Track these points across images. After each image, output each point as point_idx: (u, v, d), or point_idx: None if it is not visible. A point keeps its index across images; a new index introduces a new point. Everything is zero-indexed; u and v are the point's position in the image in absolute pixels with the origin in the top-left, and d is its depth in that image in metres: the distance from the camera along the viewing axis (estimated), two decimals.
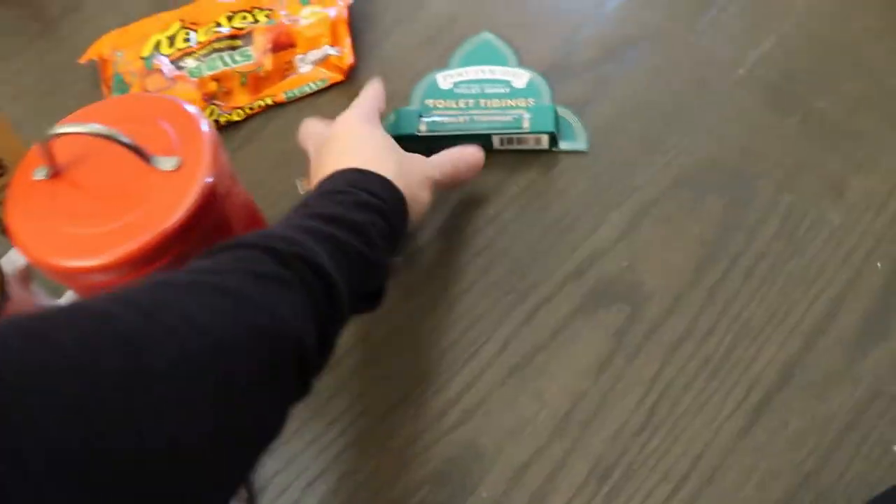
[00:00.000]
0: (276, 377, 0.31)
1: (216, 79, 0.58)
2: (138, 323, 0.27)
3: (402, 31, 0.63)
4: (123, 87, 0.59)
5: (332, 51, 0.60)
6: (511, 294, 0.49)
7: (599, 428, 0.44)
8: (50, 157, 0.38)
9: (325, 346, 0.34)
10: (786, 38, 0.58)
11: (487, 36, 0.60)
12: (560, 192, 0.53)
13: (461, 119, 0.54)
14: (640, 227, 0.51)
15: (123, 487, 0.24)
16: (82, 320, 0.26)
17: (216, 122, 0.58)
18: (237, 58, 0.59)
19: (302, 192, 0.53)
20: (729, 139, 0.54)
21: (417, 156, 0.47)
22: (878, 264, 0.48)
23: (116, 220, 0.37)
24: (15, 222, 0.37)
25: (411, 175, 0.44)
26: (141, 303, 0.28)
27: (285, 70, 0.60)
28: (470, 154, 0.50)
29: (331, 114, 0.59)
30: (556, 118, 0.53)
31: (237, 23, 0.61)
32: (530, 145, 0.54)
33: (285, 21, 0.61)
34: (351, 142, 0.45)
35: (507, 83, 0.55)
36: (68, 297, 0.47)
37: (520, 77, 0.56)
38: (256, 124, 0.59)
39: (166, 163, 0.38)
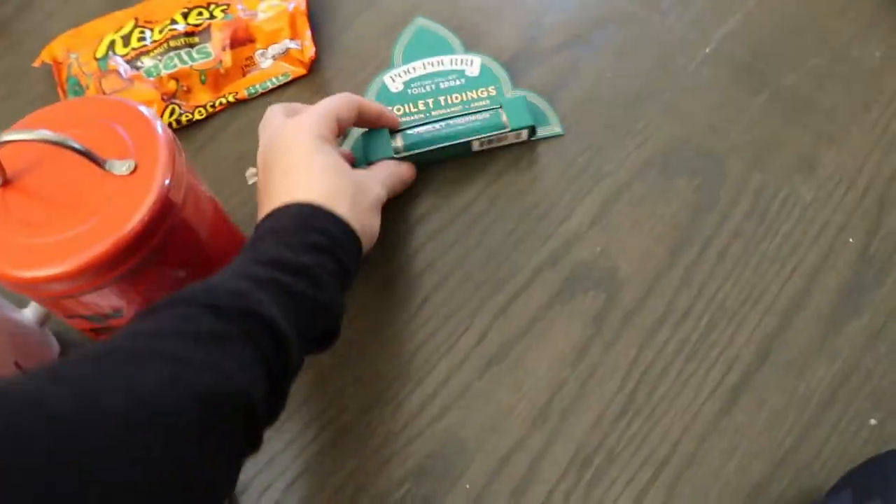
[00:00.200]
0: (223, 437, 0.30)
1: (175, 77, 0.57)
2: (73, 405, 0.26)
3: (362, 22, 0.61)
4: (79, 89, 0.57)
5: (292, 44, 0.59)
6: (486, 285, 0.48)
7: (579, 416, 0.44)
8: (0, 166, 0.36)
9: (277, 395, 0.34)
10: (750, 15, 0.58)
11: (421, 22, 0.57)
12: (531, 181, 0.52)
13: (437, 127, 0.50)
14: (613, 211, 0.51)
15: None
16: (13, 407, 0.25)
17: (177, 121, 0.56)
18: (195, 55, 0.58)
19: (250, 183, 0.51)
20: (698, 119, 0.54)
21: (366, 176, 0.45)
22: (850, 240, 0.48)
23: (73, 228, 0.36)
24: None
25: (364, 203, 0.43)
26: (78, 380, 0.27)
27: (246, 66, 0.59)
28: (406, 167, 0.50)
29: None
30: (529, 107, 0.52)
31: (193, 19, 0.59)
32: (510, 141, 0.52)
33: (243, 16, 0.59)
34: (302, 166, 0.42)
35: (459, 73, 0.53)
36: (32, 308, 0.46)
37: (470, 64, 0.53)
38: (220, 122, 0.58)
39: (121, 166, 0.37)
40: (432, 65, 0.52)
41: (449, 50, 0.53)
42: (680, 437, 0.43)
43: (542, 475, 0.42)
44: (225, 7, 0.60)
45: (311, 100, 0.58)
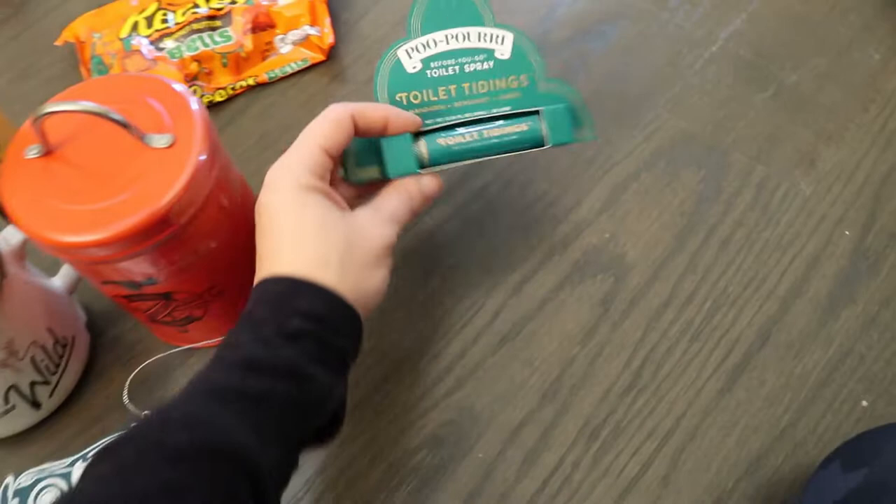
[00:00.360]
0: None
1: (197, 59, 0.58)
2: None
3: (379, 9, 0.63)
4: (103, 68, 0.58)
5: (311, 30, 0.60)
6: (499, 267, 0.50)
7: (588, 390, 0.46)
8: (43, 136, 0.38)
9: None
10: (755, 15, 0.60)
11: None
12: (543, 169, 0.54)
13: (466, 137, 0.42)
14: (621, 200, 0.53)
15: None
16: None
17: None
18: (217, 38, 0.59)
19: None
20: (703, 114, 0.56)
21: (367, 218, 0.38)
22: (847, 232, 0.51)
23: (111, 198, 0.37)
24: (11, 199, 0.37)
25: (360, 258, 0.36)
26: None
27: (266, 51, 0.60)
28: (428, 185, 0.41)
29: (315, 92, 0.60)
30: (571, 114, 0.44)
31: (215, 3, 0.60)
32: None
33: (263, 1, 0.61)
34: (278, 228, 0.36)
35: (488, 54, 0.44)
36: (63, 273, 0.47)
37: (501, 42, 0.45)
38: (239, 105, 0.59)
39: (159, 140, 0.38)
40: (456, 38, 0.44)
41: (477, 19, 0.45)
42: (683, 412, 0.45)
43: (552, 445, 0.44)
44: None
45: (328, 86, 0.60)
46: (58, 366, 0.45)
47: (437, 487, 0.43)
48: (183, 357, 0.48)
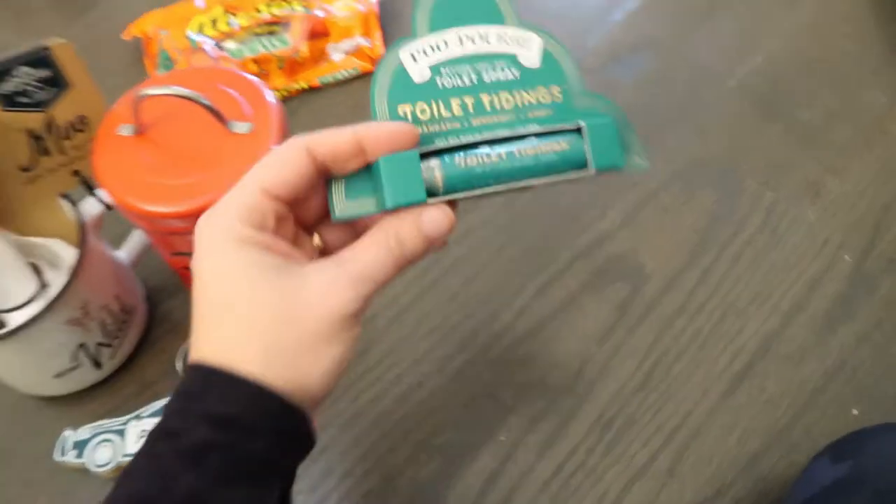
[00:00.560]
0: None
1: (256, 61, 0.63)
2: None
3: None
4: (168, 63, 0.63)
5: (363, 41, 0.65)
6: (526, 270, 0.55)
7: (604, 386, 0.50)
8: (137, 116, 0.42)
9: None
10: (773, 54, 0.66)
11: None
12: (569, 184, 0.59)
13: (492, 157, 0.31)
14: (641, 216, 0.57)
15: None
16: None
17: None
18: (275, 42, 0.64)
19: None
20: (720, 142, 0.61)
21: (321, 278, 0.27)
22: (846, 257, 0.55)
23: (195, 175, 0.41)
24: (104, 170, 0.42)
25: (302, 334, 0.27)
26: None
27: (319, 57, 0.65)
28: (433, 221, 0.28)
29: (362, 100, 0.64)
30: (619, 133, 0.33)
31: (276, 10, 0.65)
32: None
33: (320, 11, 0.66)
34: (202, 293, 0.28)
35: (510, 60, 0.34)
36: (133, 240, 0.51)
37: (527, 46, 0.34)
38: (292, 106, 0.64)
39: (242, 126, 0.42)
40: (472, 40, 0.34)
41: (496, 17, 0.35)
42: (690, 411, 0.49)
43: (569, 433, 0.48)
44: (305, 1, 0.66)
45: None
46: (120, 331, 0.49)
47: (461, 465, 0.47)
48: None
